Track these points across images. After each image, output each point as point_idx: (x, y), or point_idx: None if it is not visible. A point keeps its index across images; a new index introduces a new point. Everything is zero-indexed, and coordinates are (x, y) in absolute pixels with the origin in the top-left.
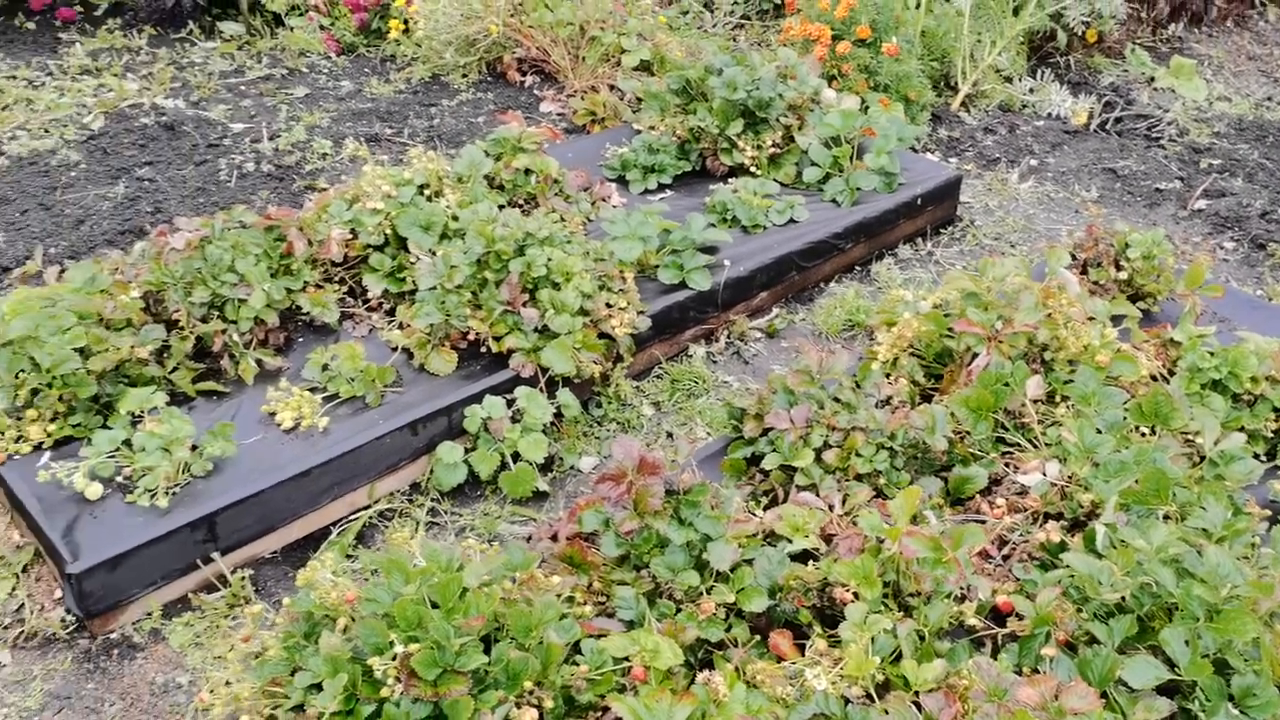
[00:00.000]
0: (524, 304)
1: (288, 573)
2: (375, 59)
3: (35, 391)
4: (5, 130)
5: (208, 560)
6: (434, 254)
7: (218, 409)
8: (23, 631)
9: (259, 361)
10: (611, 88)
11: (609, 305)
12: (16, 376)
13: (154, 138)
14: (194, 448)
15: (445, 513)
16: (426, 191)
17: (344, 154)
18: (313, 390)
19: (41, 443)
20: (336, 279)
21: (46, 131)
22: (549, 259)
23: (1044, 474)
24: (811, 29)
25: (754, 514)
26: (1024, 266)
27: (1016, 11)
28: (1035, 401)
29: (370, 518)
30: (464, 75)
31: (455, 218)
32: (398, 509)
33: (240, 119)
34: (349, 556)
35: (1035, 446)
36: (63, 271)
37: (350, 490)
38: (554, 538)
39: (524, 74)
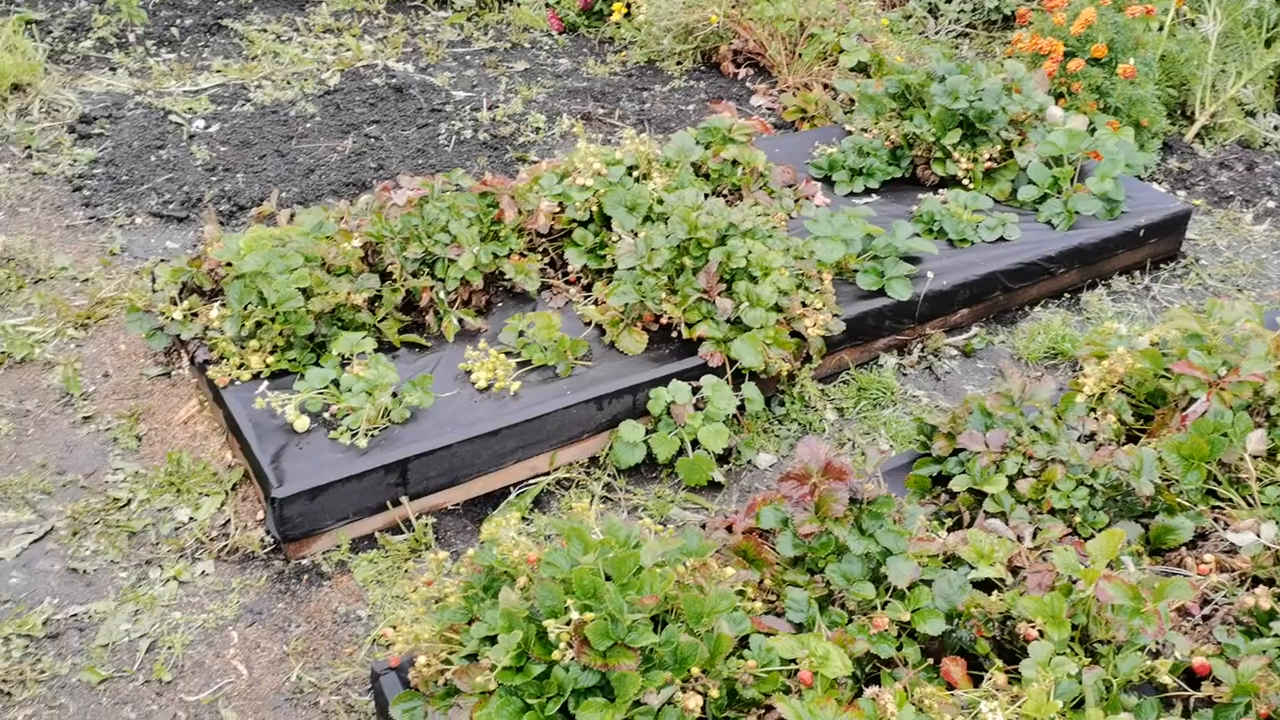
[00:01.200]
0: (720, 293)
1: (466, 526)
2: (594, 40)
3: (259, 324)
4: (253, 79)
5: (396, 503)
6: (636, 235)
7: (418, 361)
8: (226, 545)
9: (460, 320)
10: (825, 86)
11: (804, 304)
12: (245, 308)
13: (383, 98)
14: (394, 395)
15: (620, 489)
16: (635, 173)
17: (556, 129)
18: (507, 354)
19: (260, 372)
20: (540, 249)
21: (288, 84)
22: (749, 251)
23: (1258, 535)
24: (1043, 43)
25: (936, 534)
26: (1256, 312)
27: (1269, 44)
28: (1255, 457)
29: (549, 484)
30: (678, 63)
31: (660, 201)
32: (575, 479)
33: (463, 87)
34: (525, 519)
35: (1250, 505)
36: (293, 216)
37: (533, 455)
38: (729, 529)
39: (738, 66)
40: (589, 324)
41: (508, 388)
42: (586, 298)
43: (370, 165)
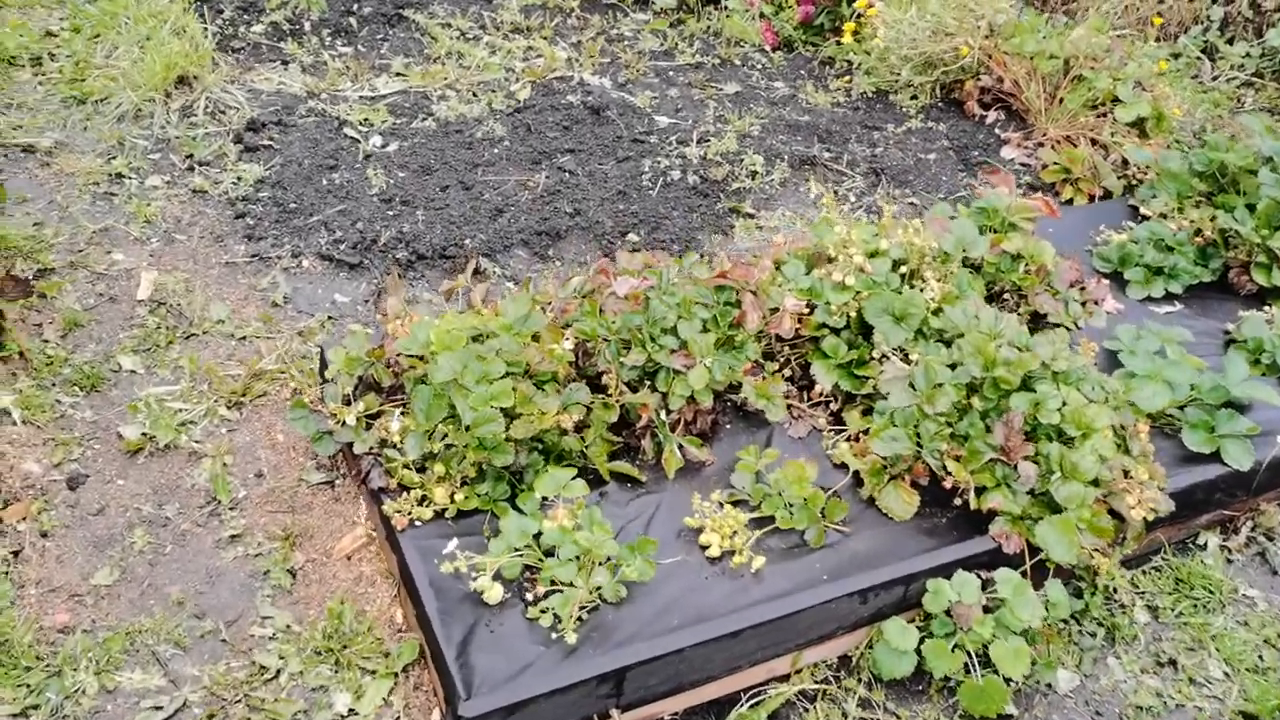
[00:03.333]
0: (1022, 455)
1: None
2: (813, 60)
3: (448, 445)
4: (436, 87)
5: (604, 716)
6: (905, 355)
7: (631, 503)
8: None
9: (682, 448)
10: (1094, 143)
11: (1126, 474)
12: (432, 425)
13: (578, 120)
14: (608, 560)
15: (878, 705)
16: (902, 269)
17: (775, 174)
18: (738, 503)
19: (444, 509)
20: (779, 356)
21: (474, 96)
22: (1063, 404)
23: None
24: None
25: None
26: None
27: None
28: None
29: (790, 694)
30: (913, 97)
31: (937, 312)
32: (821, 689)
33: (666, 111)
34: None
35: None
36: (485, 297)
37: (772, 655)
38: None
39: (985, 107)
40: (838, 465)
41: (748, 563)
42: (837, 430)
43: (565, 210)
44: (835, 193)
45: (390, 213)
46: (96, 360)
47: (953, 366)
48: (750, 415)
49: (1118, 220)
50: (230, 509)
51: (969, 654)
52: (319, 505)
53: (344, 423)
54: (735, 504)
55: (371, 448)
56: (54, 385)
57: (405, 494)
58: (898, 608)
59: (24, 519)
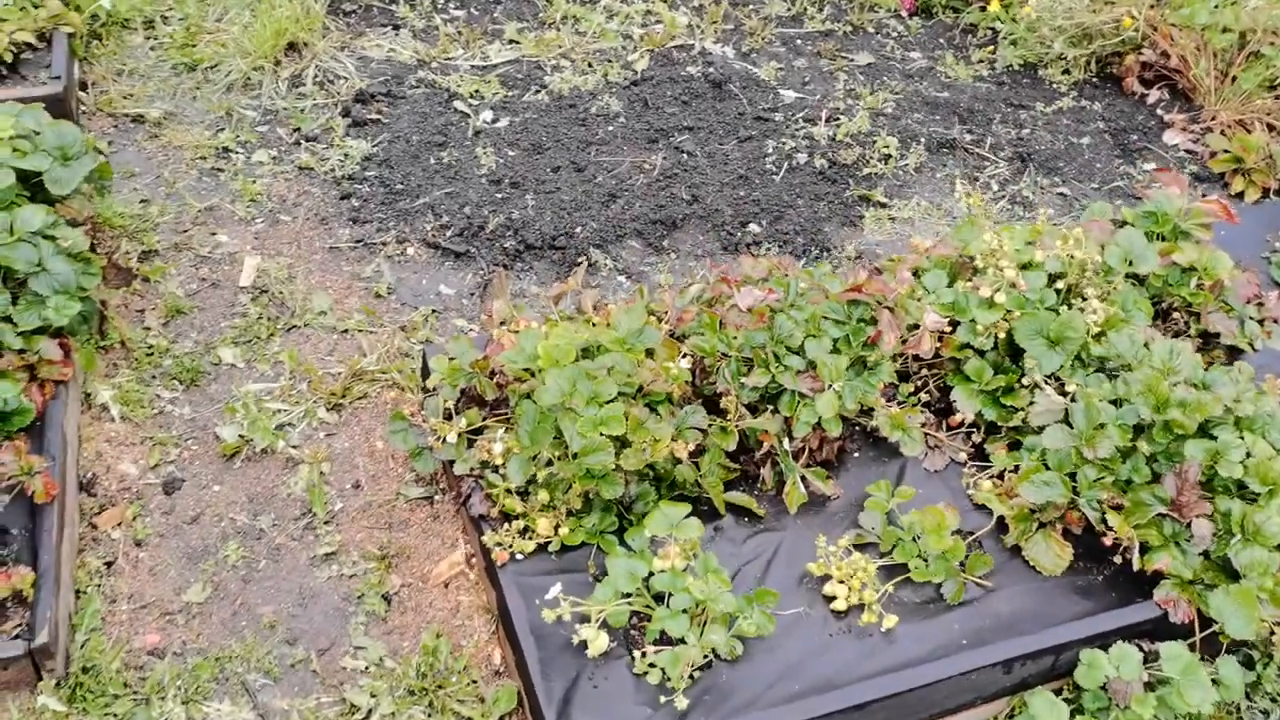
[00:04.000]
0: (1196, 512)
1: None
2: (954, 27)
3: (553, 473)
4: (550, 56)
5: None
6: (1061, 385)
7: (747, 542)
8: None
9: (804, 480)
10: (1270, 128)
11: None
12: (536, 447)
13: (698, 94)
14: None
15: None
16: (1059, 284)
17: (910, 159)
18: (866, 547)
19: (547, 541)
20: (916, 378)
21: (590, 67)
22: (1247, 455)
23: None
24: None
25: None
26: None
27: None
28: None
29: None
30: (1065, 71)
31: (1098, 337)
32: None
33: (792, 84)
34: None
35: None
36: (598, 304)
37: None
38: None
39: (1146, 85)
40: (979, 506)
41: (878, 621)
42: (980, 466)
43: (683, 196)
44: (975, 179)
45: (499, 195)
46: (197, 352)
47: (1116, 403)
48: (881, 442)
49: None
50: (325, 522)
51: None
52: (416, 523)
53: (445, 440)
54: (863, 548)
55: (472, 469)
56: (154, 378)
57: (507, 523)
58: (1045, 677)
59: (119, 525)
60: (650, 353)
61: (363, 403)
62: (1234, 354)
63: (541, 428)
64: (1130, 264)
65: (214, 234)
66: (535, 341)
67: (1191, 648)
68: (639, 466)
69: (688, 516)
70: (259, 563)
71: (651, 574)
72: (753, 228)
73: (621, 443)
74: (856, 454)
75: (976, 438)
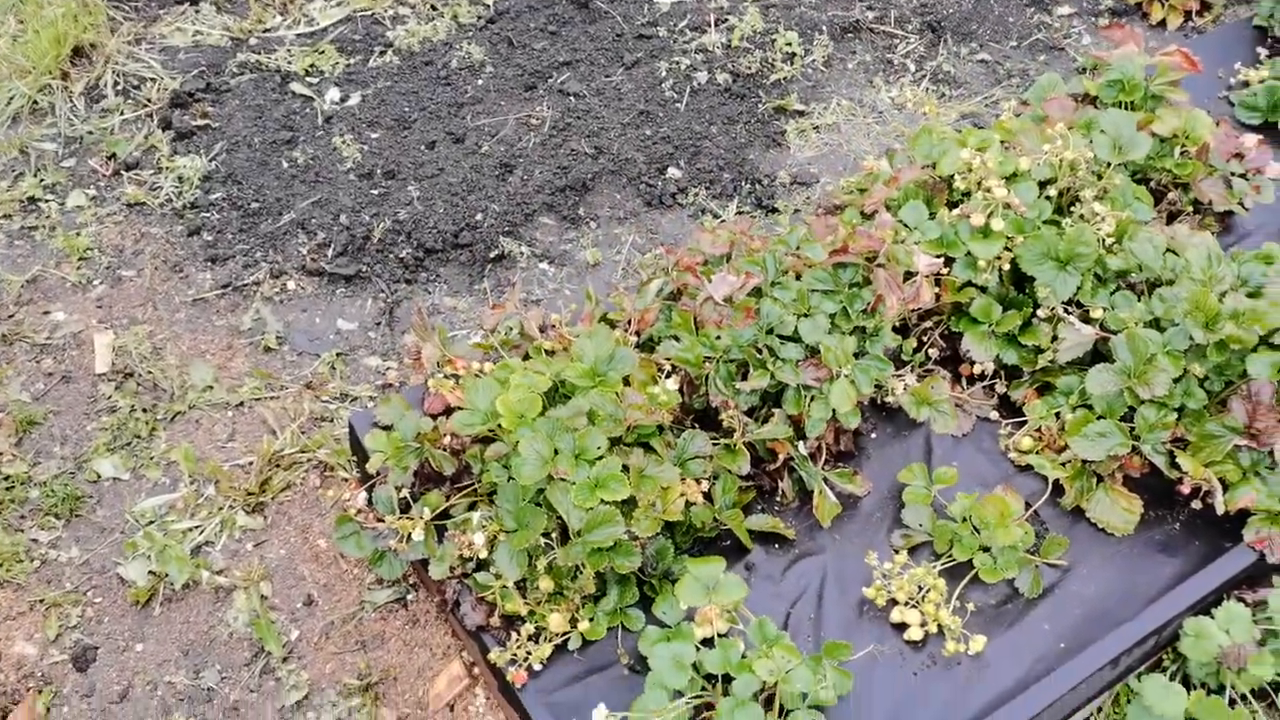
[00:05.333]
0: (1273, 435)
1: None
2: None
3: (552, 557)
4: (385, 7)
5: None
6: (1085, 311)
7: (788, 573)
8: None
9: (828, 482)
10: None
11: None
12: (528, 533)
13: (565, 20)
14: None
15: None
16: (1049, 190)
17: (815, 53)
18: (917, 549)
19: (566, 636)
20: (915, 331)
21: (435, 10)
22: None
23: None
24: None
25: None
26: None
27: None
28: None
29: None
30: None
31: (1112, 249)
32: None
33: None
34: None
35: None
36: (539, 313)
37: None
38: None
39: None
40: (1022, 468)
41: (964, 645)
42: (1015, 421)
43: (584, 150)
44: (889, 62)
45: (375, 192)
46: (67, 472)
47: (1156, 324)
48: (896, 412)
49: (1245, 51)
50: (284, 660)
51: (1246, 699)
52: (394, 634)
53: (409, 537)
54: (914, 551)
55: (452, 567)
56: (23, 519)
57: (511, 630)
58: (1145, 657)
59: None
60: (627, 380)
61: (288, 496)
62: (1225, 219)
63: (528, 507)
64: (1120, 151)
65: (46, 313)
66: (490, 395)
67: None
68: (656, 529)
69: (725, 574)
70: None
71: (697, 649)
72: (672, 172)
73: (626, 503)
74: (873, 434)
75: (1000, 387)
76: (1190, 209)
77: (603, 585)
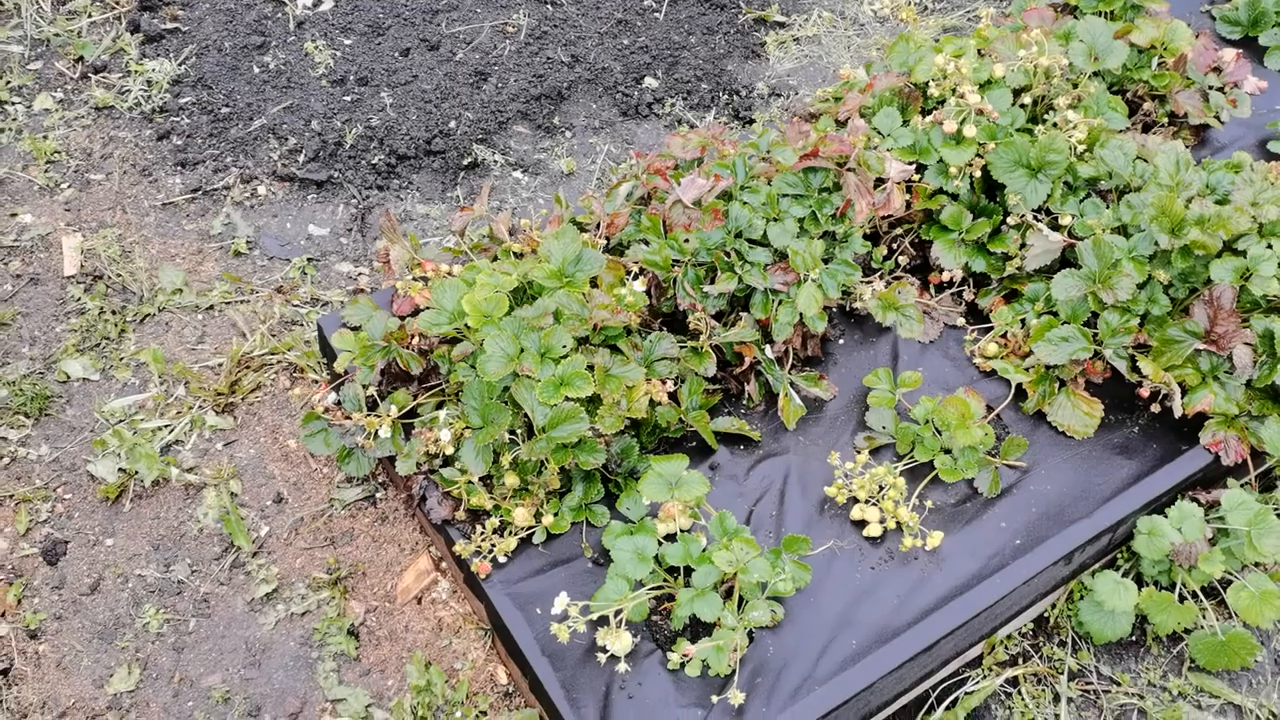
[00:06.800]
0: (1233, 340)
1: None
2: None
3: (517, 453)
4: None
5: None
6: (1053, 219)
7: (752, 472)
8: None
9: (794, 386)
10: None
11: None
12: (494, 429)
13: None
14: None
15: (1091, 671)
16: (1024, 97)
17: None
18: (880, 451)
19: (530, 532)
20: (886, 239)
21: None
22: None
23: None
24: None
25: None
26: None
27: None
28: None
29: (993, 688)
30: None
31: (1082, 156)
32: (1019, 668)
33: None
34: None
35: None
36: (507, 216)
37: (966, 646)
38: None
39: None
40: (986, 373)
41: (921, 541)
42: (980, 328)
43: (561, 58)
44: None
45: (348, 99)
46: (36, 372)
47: (1122, 231)
48: (865, 319)
49: None
50: (254, 555)
51: (1196, 597)
52: (362, 531)
53: (376, 434)
54: (877, 453)
55: (419, 463)
56: None
57: (478, 523)
58: (1100, 554)
59: (3, 616)
60: (594, 281)
61: (258, 396)
62: (1200, 132)
63: (493, 404)
64: (1096, 59)
65: (14, 215)
66: (456, 295)
67: (1246, 488)
68: (620, 426)
69: (688, 470)
70: (188, 623)
71: (660, 543)
72: (649, 82)
73: (592, 401)
74: (841, 340)
75: (968, 295)
76: (1165, 121)
77: (568, 481)
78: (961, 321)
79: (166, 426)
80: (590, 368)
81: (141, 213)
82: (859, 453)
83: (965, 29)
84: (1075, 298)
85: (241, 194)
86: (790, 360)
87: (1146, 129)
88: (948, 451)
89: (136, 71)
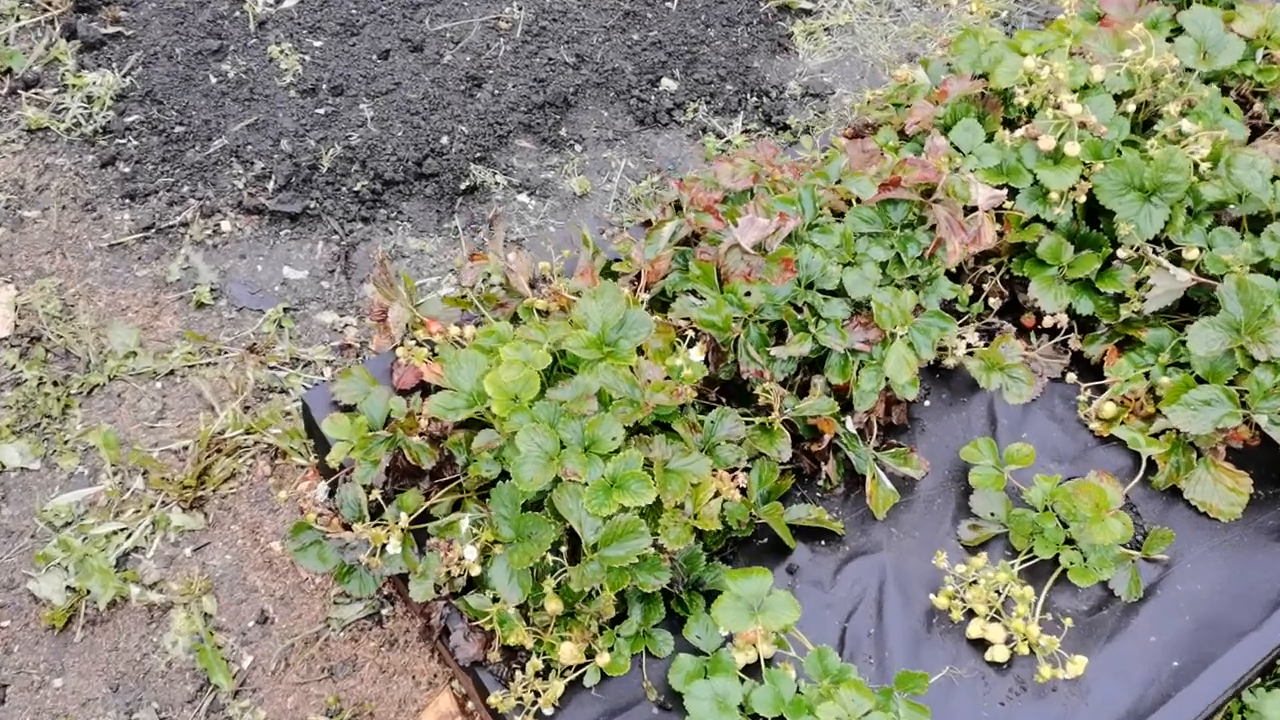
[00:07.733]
0: None
1: None
2: None
3: (564, 576)
4: None
5: None
6: (1177, 253)
7: (839, 576)
8: None
9: (880, 465)
10: None
11: None
12: (533, 548)
13: None
14: None
15: None
16: (1126, 105)
17: None
18: (988, 544)
19: (581, 670)
20: (971, 276)
21: None
22: None
23: None
24: None
25: None
26: None
27: None
28: None
29: None
30: None
31: (1205, 176)
32: None
33: None
34: None
35: None
36: (527, 257)
37: None
38: None
39: None
40: (1101, 439)
41: (1061, 671)
42: (1079, 377)
43: (564, 58)
44: None
45: (321, 112)
46: None
47: (1263, 267)
48: (949, 372)
49: None
50: (235, 694)
51: None
52: (367, 658)
53: (383, 549)
54: (986, 546)
55: (438, 586)
56: None
57: (513, 665)
58: (1265, 669)
59: None
60: (641, 349)
61: (232, 487)
62: None
63: (529, 515)
64: (1206, 56)
65: None
66: (474, 371)
67: None
68: (688, 539)
69: (771, 595)
70: None
71: (741, 679)
72: (666, 84)
73: (659, 510)
74: (926, 401)
75: (1073, 342)
76: (1276, 123)
77: (622, 603)
78: (1066, 374)
79: (123, 530)
80: (648, 464)
81: (85, 257)
82: (967, 548)
83: (1014, 14)
84: (1218, 353)
85: (202, 231)
86: (873, 432)
87: (1255, 134)
88: (1070, 543)
89: (75, 85)
